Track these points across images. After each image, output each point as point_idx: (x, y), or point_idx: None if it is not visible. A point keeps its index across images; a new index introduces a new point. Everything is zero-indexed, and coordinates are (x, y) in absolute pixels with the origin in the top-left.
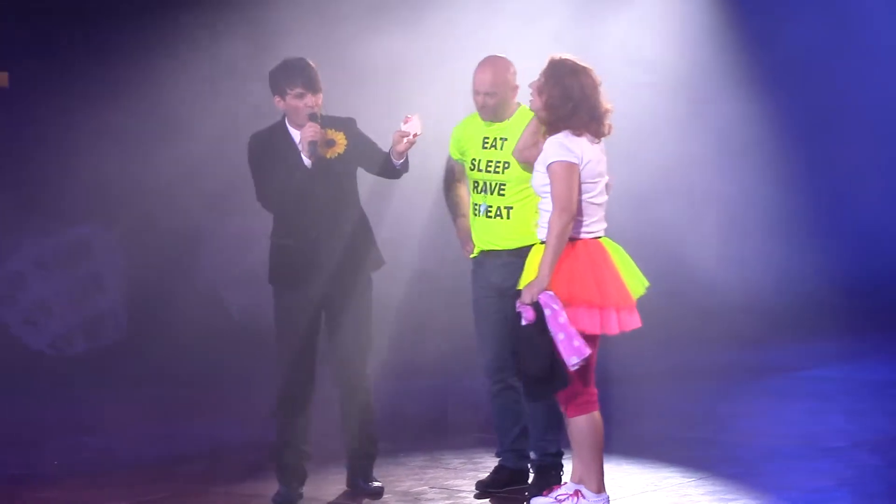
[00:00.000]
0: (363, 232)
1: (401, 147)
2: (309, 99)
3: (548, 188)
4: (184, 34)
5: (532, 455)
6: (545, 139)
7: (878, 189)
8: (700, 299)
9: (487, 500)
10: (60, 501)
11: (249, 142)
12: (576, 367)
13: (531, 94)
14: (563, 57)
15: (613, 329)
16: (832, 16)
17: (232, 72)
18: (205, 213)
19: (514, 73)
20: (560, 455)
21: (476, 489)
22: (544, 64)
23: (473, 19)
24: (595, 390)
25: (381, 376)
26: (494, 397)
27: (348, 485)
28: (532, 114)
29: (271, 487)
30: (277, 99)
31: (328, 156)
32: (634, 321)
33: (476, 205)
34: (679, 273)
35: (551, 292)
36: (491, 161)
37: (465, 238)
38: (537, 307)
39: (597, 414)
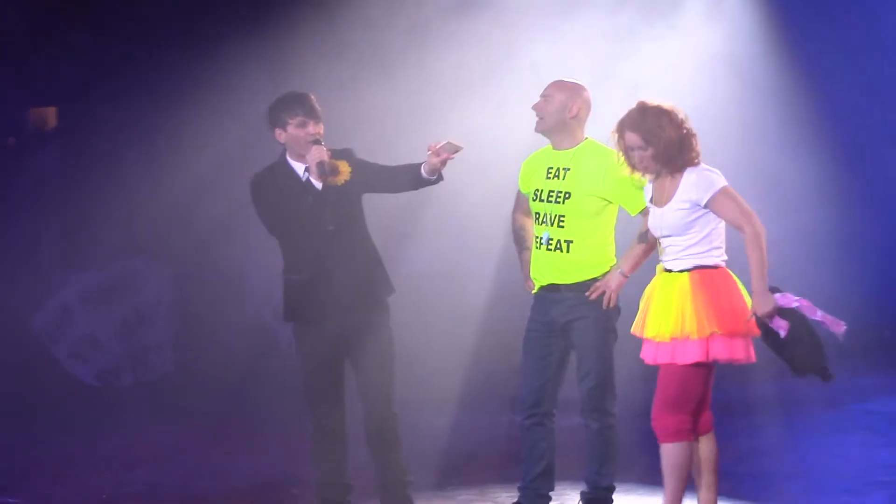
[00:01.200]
0: (374, 260)
1: (437, 161)
2: (311, 127)
3: (694, 225)
4: (241, 70)
5: (584, 488)
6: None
7: None
8: None
9: None
10: None
11: (252, 180)
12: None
13: (621, 153)
14: (650, 102)
15: (753, 357)
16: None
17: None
18: (253, 245)
19: (582, 100)
20: (611, 490)
21: None
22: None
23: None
24: (690, 419)
25: (430, 410)
26: (525, 431)
27: None
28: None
29: None
30: (278, 131)
31: (334, 183)
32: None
33: (538, 237)
34: None
35: (781, 293)
36: (553, 191)
37: (528, 273)
38: (783, 313)
39: (689, 445)
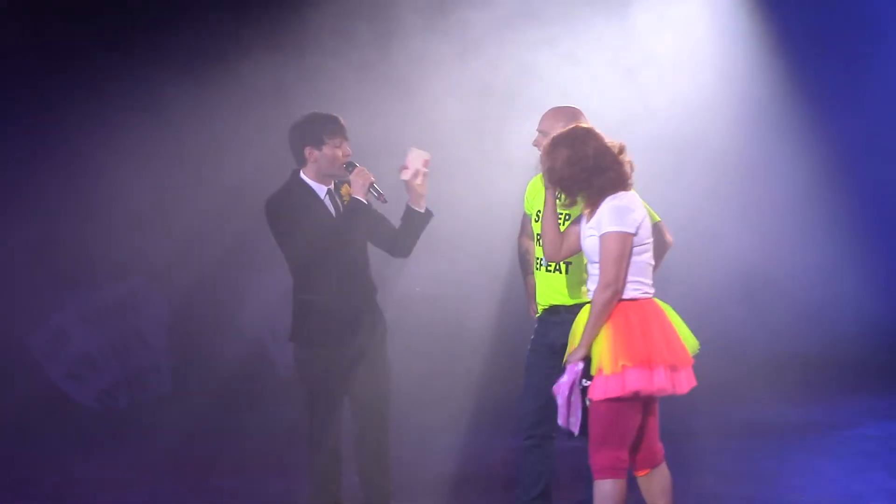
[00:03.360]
0: (375, 287)
1: (419, 184)
2: (346, 148)
3: (599, 253)
4: (235, 88)
5: None
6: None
7: None
8: (742, 356)
9: None
10: None
11: (269, 205)
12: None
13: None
14: (573, 127)
15: (683, 388)
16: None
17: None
18: (250, 267)
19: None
20: None
21: None
22: (561, 125)
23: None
24: (626, 456)
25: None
26: (524, 453)
27: None
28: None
29: None
30: (309, 150)
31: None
32: (693, 380)
33: (538, 258)
34: (721, 331)
35: (581, 365)
36: None
37: (532, 296)
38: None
39: (622, 482)
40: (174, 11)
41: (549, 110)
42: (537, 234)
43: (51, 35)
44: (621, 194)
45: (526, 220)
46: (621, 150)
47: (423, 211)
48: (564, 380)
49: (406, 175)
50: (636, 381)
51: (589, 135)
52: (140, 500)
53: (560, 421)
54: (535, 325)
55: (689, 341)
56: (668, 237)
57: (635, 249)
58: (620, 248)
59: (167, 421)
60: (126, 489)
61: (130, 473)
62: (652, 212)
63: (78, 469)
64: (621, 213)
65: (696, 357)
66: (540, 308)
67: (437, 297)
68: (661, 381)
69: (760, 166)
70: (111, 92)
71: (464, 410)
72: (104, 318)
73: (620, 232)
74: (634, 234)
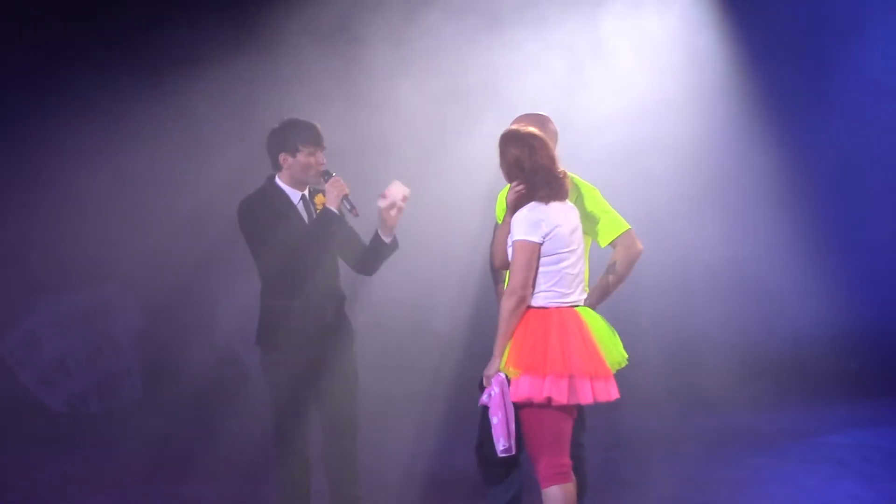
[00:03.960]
0: (343, 297)
1: (392, 216)
2: (320, 156)
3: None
4: (198, 93)
5: None
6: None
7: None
8: (713, 363)
9: None
10: None
11: (242, 207)
12: (503, 454)
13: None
14: (511, 127)
15: (586, 398)
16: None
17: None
18: (222, 273)
19: (548, 133)
20: None
21: None
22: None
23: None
24: (569, 461)
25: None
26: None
27: None
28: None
29: None
30: (284, 156)
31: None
32: (611, 392)
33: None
34: (691, 337)
35: (502, 374)
36: None
37: None
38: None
39: (570, 486)
40: (144, 18)
41: (518, 117)
42: None
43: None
44: (533, 205)
45: (497, 228)
46: (550, 151)
47: (389, 241)
48: (495, 392)
49: (382, 203)
50: (527, 389)
51: (535, 141)
52: (111, 503)
53: (502, 444)
54: None
55: (613, 354)
56: (639, 245)
57: (549, 259)
58: (526, 257)
59: (139, 426)
60: (97, 493)
61: (102, 478)
62: (620, 219)
63: (48, 473)
64: (530, 222)
65: (664, 364)
66: None
67: (407, 302)
68: (552, 390)
69: (728, 171)
70: (85, 97)
71: (433, 415)
72: (76, 322)
73: (527, 241)
74: (541, 244)
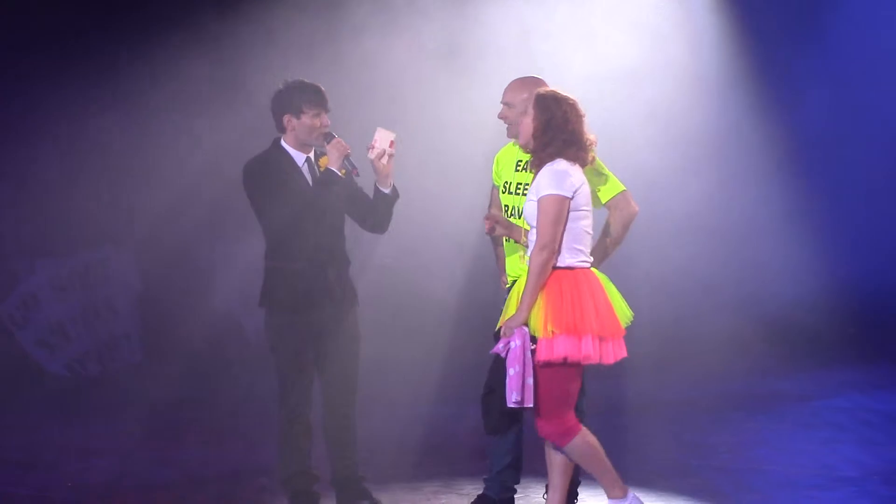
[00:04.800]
0: (348, 261)
1: (384, 164)
2: (324, 119)
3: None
4: (196, 54)
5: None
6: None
7: None
8: (715, 328)
9: None
10: None
11: (247, 168)
12: (513, 405)
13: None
14: (548, 89)
15: (610, 358)
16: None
17: (249, 96)
18: (221, 236)
19: None
20: (576, 484)
21: None
22: (525, 96)
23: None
24: (573, 415)
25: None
26: None
27: None
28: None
29: None
30: (288, 117)
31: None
32: (622, 351)
33: None
34: (694, 301)
35: (526, 328)
36: (520, 184)
37: (502, 268)
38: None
39: (585, 430)
40: None
41: (513, 81)
42: (505, 206)
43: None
44: (560, 161)
45: (495, 191)
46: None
47: (388, 191)
48: (516, 345)
49: (372, 154)
50: (564, 348)
51: (567, 101)
52: (110, 468)
53: (515, 396)
54: (506, 297)
55: (623, 312)
56: (634, 206)
57: (573, 215)
58: (557, 211)
59: (138, 389)
60: (96, 456)
61: (101, 441)
62: (617, 181)
63: (48, 436)
64: (559, 177)
65: (668, 328)
66: (509, 279)
67: (403, 268)
68: (588, 350)
69: (726, 137)
70: (85, 56)
71: (429, 381)
72: (75, 286)
73: (557, 195)
74: (571, 199)
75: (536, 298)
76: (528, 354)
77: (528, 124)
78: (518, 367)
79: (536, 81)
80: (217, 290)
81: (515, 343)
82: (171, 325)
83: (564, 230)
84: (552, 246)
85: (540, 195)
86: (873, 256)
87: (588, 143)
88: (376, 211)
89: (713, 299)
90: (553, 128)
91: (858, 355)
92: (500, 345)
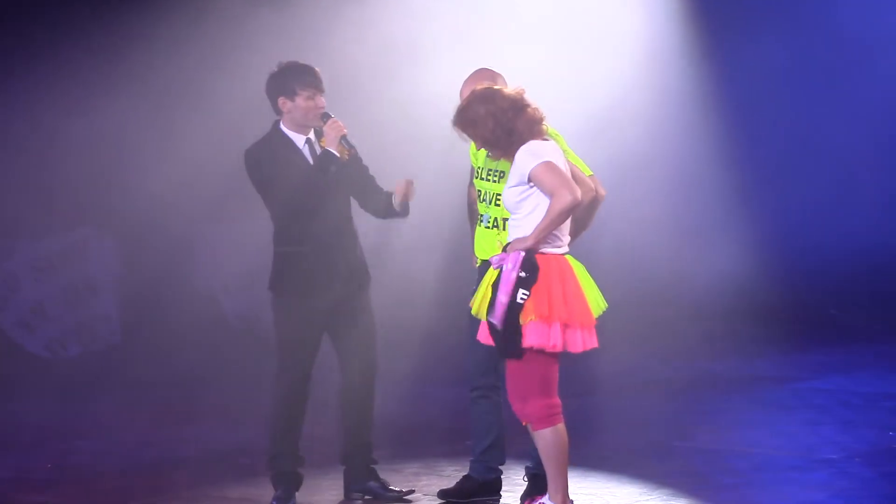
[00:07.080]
0: (358, 240)
1: (408, 194)
2: (320, 100)
3: (521, 204)
4: (178, 36)
5: (528, 464)
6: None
7: (873, 199)
8: (692, 309)
9: None
10: None
11: (247, 156)
12: (492, 321)
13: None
14: (471, 95)
15: (577, 347)
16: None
17: (230, 75)
18: (202, 218)
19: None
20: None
21: (438, 497)
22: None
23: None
24: (559, 402)
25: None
26: (472, 404)
27: (345, 491)
28: None
29: (265, 492)
30: (283, 100)
31: (344, 158)
32: (595, 340)
33: (480, 214)
34: (672, 282)
35: (522, 254)
36: (491, 170)
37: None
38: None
39: (561, 426)
40: None
41: (469, 76)
42: (479, 191)
43: None
44: (532, 142)
45: (473, 172)
46: (523, 97)
47: (400, 210)
48: (506, 269)
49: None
50: (533, 336)
51: (495, 91)
52: (91, 449)
53: (497, 314)
54: (476, 277)
55: (596, 302)
56: (602, 190)
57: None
58: (551, 169)
59: (117, 370)
60: (76, 438)
61: (81, 421)
62: (584, 165)
63: (28, 417)
64: (537, 149)
65: (646, 310)
66: (479, 261)
67: (381, 247)
68: (555, 338)
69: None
70: (68, 37)
71: (408, 361)
72: (54, 266)
73: (548, 161)
74: (557, 165)
75: (546, 234)
76: (512, 277)
77: (477, 135)
78: (498, 289)
79: (491, 73)
80: (197, 272)
81: (507, 266)
82: (151, 305)
83: (539, 212)
84: (575, 192)
85: (528, 173)
86: (852, 239)
87: (539, 116)
88: (380, 206)
89: (688, 279)
90: (501, 124)
91: (838, 336)
92: (497, 257)
